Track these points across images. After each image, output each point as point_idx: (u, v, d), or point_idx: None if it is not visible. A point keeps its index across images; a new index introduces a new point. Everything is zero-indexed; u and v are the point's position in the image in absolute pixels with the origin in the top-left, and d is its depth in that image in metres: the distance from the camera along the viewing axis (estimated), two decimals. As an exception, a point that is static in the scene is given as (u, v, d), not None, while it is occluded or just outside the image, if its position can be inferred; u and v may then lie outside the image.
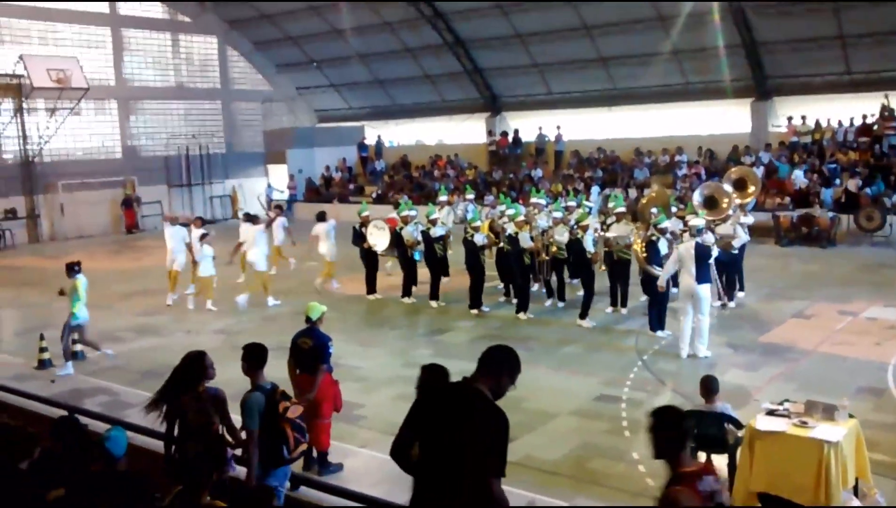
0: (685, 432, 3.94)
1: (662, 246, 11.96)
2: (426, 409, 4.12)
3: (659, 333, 11.77)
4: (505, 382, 4.08)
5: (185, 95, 32.31)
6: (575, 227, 13.08)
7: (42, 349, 11.51)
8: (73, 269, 11.25)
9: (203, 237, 14.29)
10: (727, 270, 13.26)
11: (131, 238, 27.28)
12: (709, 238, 12.22)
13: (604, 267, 13.41)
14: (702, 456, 5.38)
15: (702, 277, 10.50)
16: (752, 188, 14.51)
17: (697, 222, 11.28)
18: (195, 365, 5.75)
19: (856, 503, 6.21)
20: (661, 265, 11.62)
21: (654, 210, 12.96)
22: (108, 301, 16.07)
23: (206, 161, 31.61)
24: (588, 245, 12.76)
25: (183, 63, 32.42)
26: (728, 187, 13.75)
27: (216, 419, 5.66)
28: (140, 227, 28.94)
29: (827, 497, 5.97)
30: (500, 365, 4.07)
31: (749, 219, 13.74)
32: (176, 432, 5.75)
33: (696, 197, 13.00)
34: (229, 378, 6.64)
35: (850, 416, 6.53)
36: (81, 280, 11.21)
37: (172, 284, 15.36)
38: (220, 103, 33.53)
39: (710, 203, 12.86)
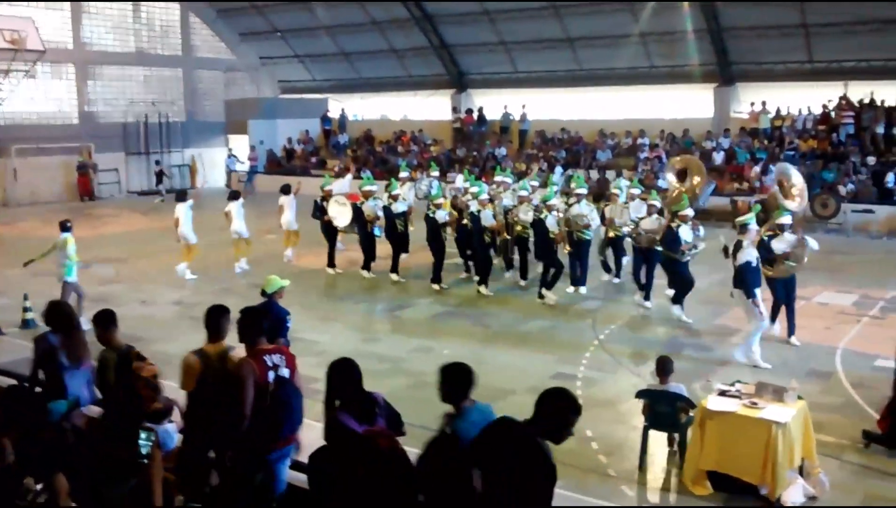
0: (261, 326, 5.26)
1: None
2: (483, 448, 3.97)
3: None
4: (564, 431, 3.98)
5: (146, 62, 31.60)
6: (541, 206, 13.12)
7: (26, 309, 11.52)
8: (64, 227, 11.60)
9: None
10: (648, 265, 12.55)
11: (87, 206, 26.74)
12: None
13: (569, 247, 13.34)
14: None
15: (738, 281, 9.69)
16: (696, 179, 14.04)
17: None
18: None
19: (800, 482, 6.37)
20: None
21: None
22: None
23: (165, 129, 31.04)
24: (551, 225, 12.82)
25: (144, 29, 31.67)
26: (671, 177, 13.48)
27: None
28: (96, 194, 28.37)
29: (773, 475, 6.13)
30: (557, 411, 3.94)
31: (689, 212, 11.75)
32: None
33: (669, 173, 12.25)
34: (180, 352, 6.56)
35: (799, 398, 6.69)
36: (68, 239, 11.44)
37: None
38: (181, 71, 32.85)
39: (682, 176, 12.40)
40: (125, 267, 15.09)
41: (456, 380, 4.52)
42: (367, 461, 4.20)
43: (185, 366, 5.43)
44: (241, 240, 15.34)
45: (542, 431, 3.87)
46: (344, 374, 4.70)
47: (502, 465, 3.77)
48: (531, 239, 13.86)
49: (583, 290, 13.33)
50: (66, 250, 11.35)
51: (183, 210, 14.81)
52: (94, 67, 30.14)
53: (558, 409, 3.90)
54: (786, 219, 10.39)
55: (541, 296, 12.80)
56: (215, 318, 5.54)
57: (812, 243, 10.24)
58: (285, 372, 5.29)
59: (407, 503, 4.31)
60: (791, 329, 10.46)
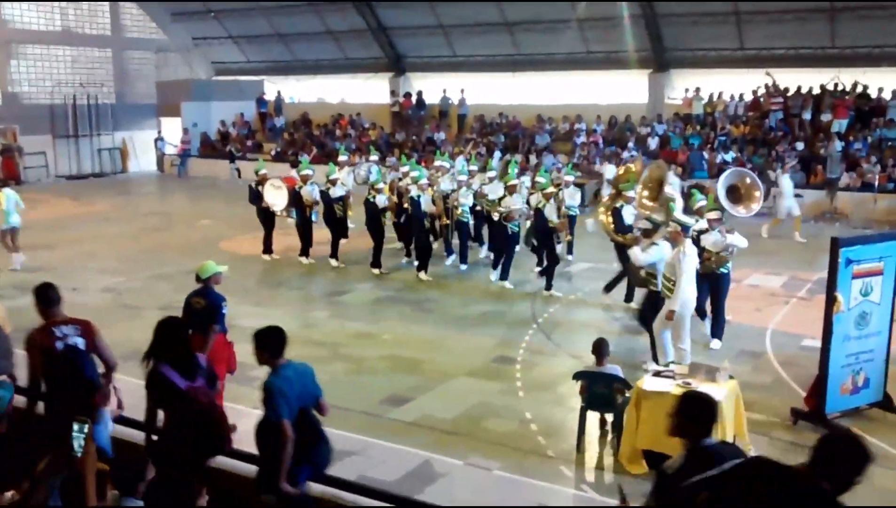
0: (49, 299, 5.50)
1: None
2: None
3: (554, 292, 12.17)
4: (851, 479, 3.33)
5: (73, 41, 30.53)
6: (538, 195, 12.85)
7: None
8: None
9: None
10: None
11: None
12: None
13: (570, 236, 13.33)
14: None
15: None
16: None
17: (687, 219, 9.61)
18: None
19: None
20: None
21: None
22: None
23: (94, 112, 30.03)
24: (550, 215, 12.34)
25: (70, 7, 30.55)
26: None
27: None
28: (22, 179, 27.34)
29: (706, 453, 6.26)
30: (845, 461, 3.32)
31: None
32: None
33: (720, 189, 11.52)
34: (115, 340, 6.41)
35: (731, 378, 6.87)
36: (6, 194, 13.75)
37: None
38: (110, 51, 31.86)
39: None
40: (53, 254, 14.63)
41: (266, 342, 4.88)
42: (188, 414, 4.80)
43: None
44: None
45: (826, 482, 3.31)
46: (172, 332, 5.17)
47: None
48: (470, 223, 13.95)
49: (507, 284, 13.05)
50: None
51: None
52: (18, 45, 29.00)
53: (849, 458, 3.31)
54: (714, 214, 9.82)
55: (548, 287, 12.34)
56: None
57: (739, 241, 9.64)
58: (77, 341, 5.51)
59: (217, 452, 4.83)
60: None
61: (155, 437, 5.22)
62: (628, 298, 11.61)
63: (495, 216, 13.06)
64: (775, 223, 16.88)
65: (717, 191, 11.20)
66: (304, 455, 4.86)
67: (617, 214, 11.35)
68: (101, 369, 5.66)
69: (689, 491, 3.63)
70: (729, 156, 21.20)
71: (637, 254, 9.20)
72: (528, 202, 13.61)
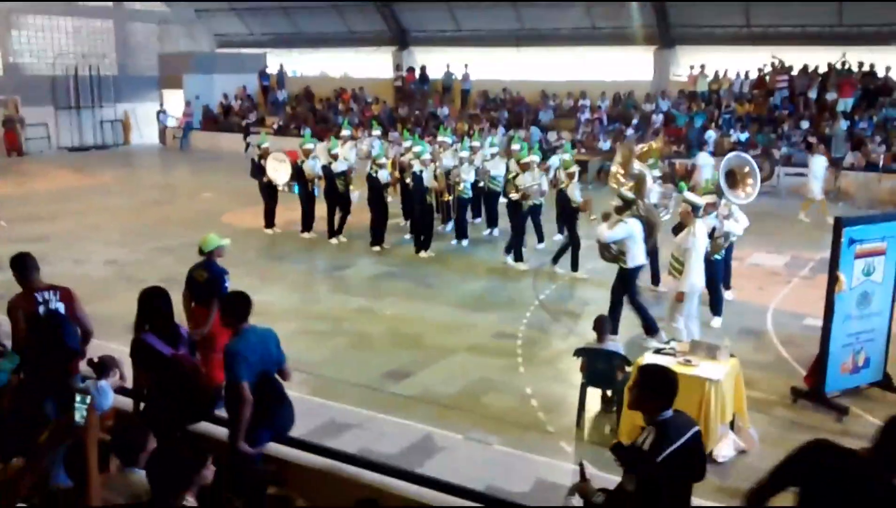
0: (27, 268, 5.62)
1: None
2: (817, 486, 3.46)
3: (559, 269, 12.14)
4: None
5: (74, 12, 30.31)
6: (561, 176, 12.66)
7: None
8: None
9: None
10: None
11: (14, 162, 25.75)
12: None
13: (594, 216, 13.25)
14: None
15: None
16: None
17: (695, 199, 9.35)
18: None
19: (731, 436, 6.58)
20: None
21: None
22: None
23: (96, 83, 29.88)
24: (574, 195, 12.20)
25: (71, -24, 30.39)
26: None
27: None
28: (24, 150, 27.29)
29: (706, 431, 6.28)
30: None
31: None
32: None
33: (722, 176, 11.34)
34: (117, 312, 6.41)
35: (731, 356, 6.88)
36: None
37: None
38: (112, 22, 31.65)
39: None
40: (55, 225, 14.63)
41: (232, 307, 5.08)
42: (174, 381, 5.08)
43: None
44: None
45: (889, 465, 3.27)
46: (149, 301, 5.22)
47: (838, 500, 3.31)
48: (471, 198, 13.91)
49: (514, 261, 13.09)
50: None
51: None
52: (18, 15, 28.80)
53: None
54: (709, 198, 9.62)
55: (555, 261, 12.27)
56: None
57: (736, 227, 9.78)
58: (58, 306, 5.63)
59: (202, 416, 5.26)
60: None
61: (143, 405, 5.30)
62: (654, 280, 11.42)
63: (514, 196, 12.69)
64: (811, 205, 16.55)
65: (718, 175, 11.03)
66: (265, 418, 4.96)
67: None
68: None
69: (663, 466, 3.77)
70: (744, 136, 21.04)
71: (602, 230, 9.15)
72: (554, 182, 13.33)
